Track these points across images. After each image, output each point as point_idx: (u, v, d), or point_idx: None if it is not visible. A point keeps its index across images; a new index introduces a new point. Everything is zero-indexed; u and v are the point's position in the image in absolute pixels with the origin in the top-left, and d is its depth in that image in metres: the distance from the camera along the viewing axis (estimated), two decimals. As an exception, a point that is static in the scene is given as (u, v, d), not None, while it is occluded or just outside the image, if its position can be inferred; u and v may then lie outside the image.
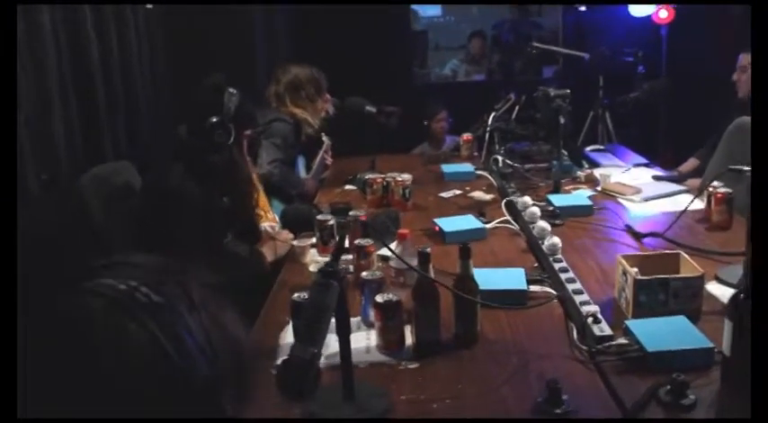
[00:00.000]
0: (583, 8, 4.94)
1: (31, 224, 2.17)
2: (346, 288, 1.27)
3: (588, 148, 3.52)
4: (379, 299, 1.53)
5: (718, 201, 2.28)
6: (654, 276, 1.65)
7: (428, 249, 1.52)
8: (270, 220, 2.45)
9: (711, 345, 1.44)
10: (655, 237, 2.17)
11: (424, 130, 4.60)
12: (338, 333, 1.30)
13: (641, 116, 4.35)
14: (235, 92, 2.16)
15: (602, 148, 3.58)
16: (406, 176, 2.75)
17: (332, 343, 1.61)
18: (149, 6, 3.33)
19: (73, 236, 2.16)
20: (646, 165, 3.18)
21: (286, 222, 2.51)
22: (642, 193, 2.67)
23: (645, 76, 4.05)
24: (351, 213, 2.23)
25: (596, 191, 2.80)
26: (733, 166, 1.91)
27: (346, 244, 2.15)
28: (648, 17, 4.56)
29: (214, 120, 2.10)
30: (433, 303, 1.53)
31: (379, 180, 2.72)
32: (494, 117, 3.35)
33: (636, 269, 1.75)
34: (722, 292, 1.80)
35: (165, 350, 0.61)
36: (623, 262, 1.72)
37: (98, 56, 2.76)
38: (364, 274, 1.69)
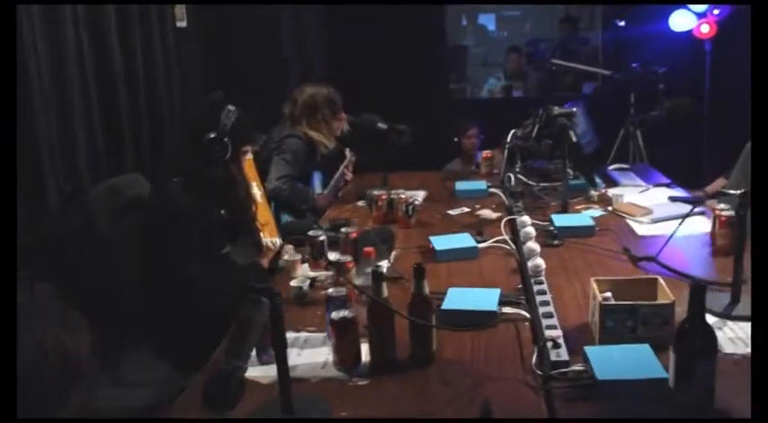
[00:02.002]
0: (622, 23, 4.83)
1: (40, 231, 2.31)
2: (281, 304, 1.29)
3: (611, 167, 3.44)
4: (333, 315, 1.55)
5: (723, 224, 2.19)
6: (620, 302, 1.61)
7: (382, 269, 1.53)
8: (269, 233, 2.51)
9: (665, 376, 1.38)
10: (648, 260, 2.11)
11: (456, 147, 4.60)
12: (274, 348, 1.32)
13: (673, 135, 4.21)
14: (233, 109, 2.23)
15: (625, 167, 3.48)
16: (412, 193, 2.76)
17: (292, 357, 1.65)
18: (180, 25, 3.48)
19: (78, 244, 2.27)
20: (667, 185, 3.08)
21: (286, 237, 2.56)
22: (652, 215, 2.58)
23: (666, 94, 3.91)
24: (342, 230, 2.26)
25: (607, 211, 2.74)
26: (722, 190, 1.83)
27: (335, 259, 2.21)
28: (690, 32, 4.41)
29: (211, 135, 2.18)
30: (386, 323, 1.54)
31: (383, 197, 2.74)
32: (513, 134, 3.32)
33: (609, 293, 1.71)
34: (704, 321, 1.73)
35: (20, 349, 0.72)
36: (594, 286, 1.68)
37: (122, 68, 2.89)
38: (330, 290, 1.71)
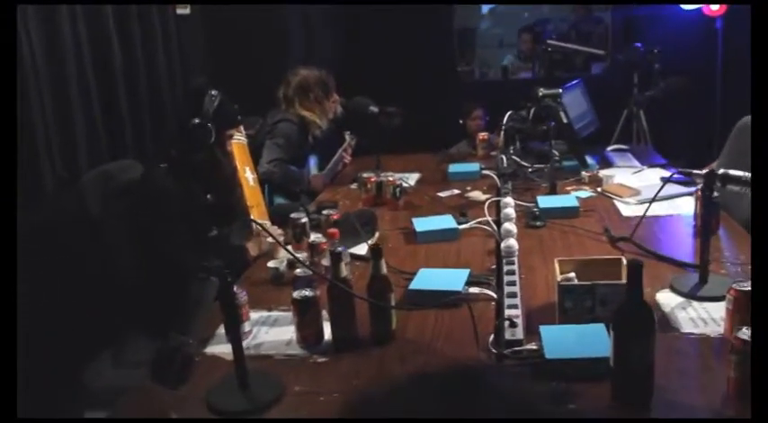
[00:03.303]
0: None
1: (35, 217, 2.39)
2: (231, 284, 1.34)
3: (609, 148, 3.41)
4: (295, 294, 1.60)
5: (703, 205, 2.17)
6: (577, 282, 1.62)
7: (339, 249, 1.57)
8: (258, 215, 2.56)
9: (608, 355, 1.40)
10: (625, 241, 2.11)
11: (461, 129, 4.59)
12: (227, 327, 1.38)
13: (672, 114, 4.14)
14: (216, 94, 2.27)
15: (624, 147, 3.45)
16: (403, 176, 2.78)
17: (261, 334, 1.71)
18: (181, 11, 3.52)
19: (71, 228, 2.36)
20: (662, 166, 3.05)
21: (274, 219, 2.61)
22: (640, 196, 2.57)
23: (663, 74, 3.84)
24: (324, 212, 2.30)
25: (596, 192, 2.73)
26: (684, 170, 1.83)
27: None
28: (699, 10, 4.32)
29: (195, 121, 2.23)
30: (345, 302, 1.58)
31: (372, 179, 2.77)
32: (509, 116, 3.31)
33: (572, 274, 1.72)
34: (670, 302, 1.74)
35: None
36: (556, 266, 1.70)
37: (120, 59, 2.94)
38: (297, 270, 1.75)
